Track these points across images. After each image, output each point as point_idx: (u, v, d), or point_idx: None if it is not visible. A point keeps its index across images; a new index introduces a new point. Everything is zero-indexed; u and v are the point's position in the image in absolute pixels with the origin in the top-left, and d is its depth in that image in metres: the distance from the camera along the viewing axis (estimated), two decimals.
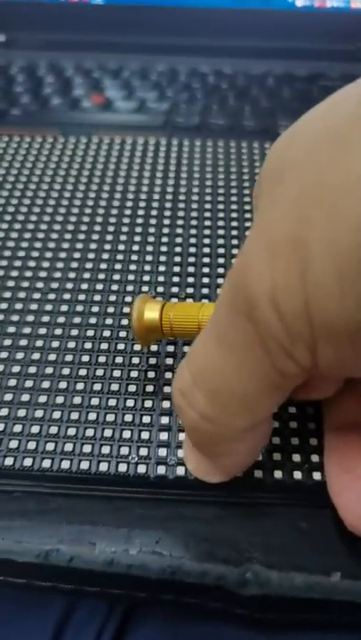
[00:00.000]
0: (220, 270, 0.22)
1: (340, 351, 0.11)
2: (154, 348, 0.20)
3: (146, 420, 0.18)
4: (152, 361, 0.19)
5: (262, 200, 0.13)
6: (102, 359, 0.19)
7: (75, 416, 0.18)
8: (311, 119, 0.12)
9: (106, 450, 0.17)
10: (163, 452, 0.17)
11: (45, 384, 0.19)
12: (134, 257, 0.23)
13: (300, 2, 0.38)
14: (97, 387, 0.19)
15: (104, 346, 0.20)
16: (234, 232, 0.24)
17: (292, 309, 0.11)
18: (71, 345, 0.20)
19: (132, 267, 0.22)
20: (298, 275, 0.10)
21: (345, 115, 0.11)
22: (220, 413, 0.13)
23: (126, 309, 0.21)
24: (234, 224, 0.24)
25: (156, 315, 0.17)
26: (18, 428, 0.18)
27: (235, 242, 0.23)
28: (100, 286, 0.22)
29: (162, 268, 0.22)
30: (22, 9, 0.40)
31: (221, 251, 0.23)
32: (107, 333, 0.20)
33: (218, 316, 0.13)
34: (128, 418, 0.18)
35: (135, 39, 0.39)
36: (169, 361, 0.19)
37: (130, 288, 0.22)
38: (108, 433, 0.18)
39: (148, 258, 0.23)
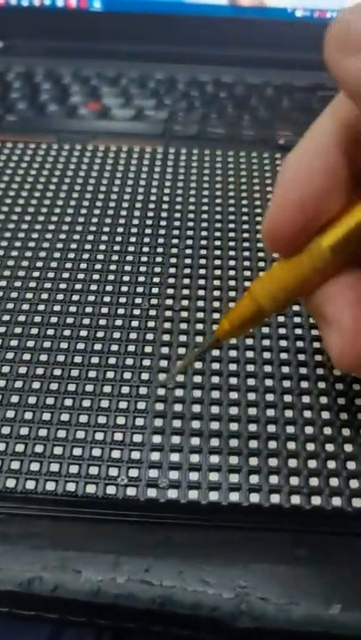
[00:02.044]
0: (216, 282, 0.22)
1: None
2: (146, 362, 0.19)
3: (137, 439, 0.17)
4: (144, 376, 0.19)
5: None
6: (92, 374, 0.18)
7: (62, 434, 0.17)
8: None
9: (94, 470, 0.16)
10: (154, 473, 0.16)
11: (32, 400, 0.18)
12: (128, 267, 0.22)
13: (299, 12, 0.38)
14: (86, 403, 0.18)
15: (94, 360, 0.19)
16: (231, 243, 0.23)
17: None
18: (60, 358, 0.19)
19: (126, 277, 0.22)
20: None
21: None
22: None
23: (119, 322, 0.20)
24: (231, 235, 0.24)
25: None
26: (1, 447, 0.17)
27: (232, 253, 0.23)
28: (91, 298, 0.21)
29: (156, 280, 0.22)
30: (21, 15, 0.40)
31: (218, 262, 0.22)
32: (97, 347, 0.19)
33: None
34: (118, 436, 0.17)
35: (134, 47, 0.39)
36: (162, 376, 0.19)
37: (123, 300, 0.21)
38: (96, 452, 0.17)
39: (142, 269, 0.22)
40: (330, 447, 0.17)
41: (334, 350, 0.14)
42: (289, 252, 0.14)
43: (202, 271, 0.22)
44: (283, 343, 0.19)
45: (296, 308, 0.20)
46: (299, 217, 0.13)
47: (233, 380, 0.18)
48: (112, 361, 0.19)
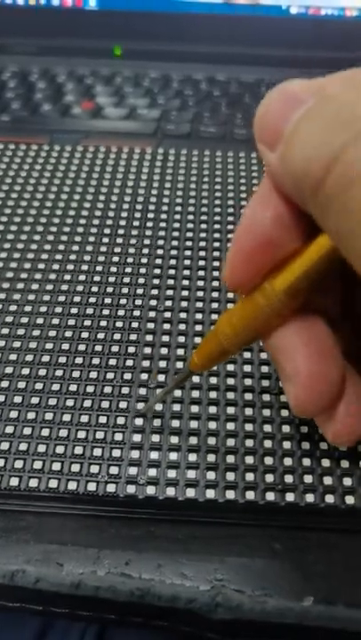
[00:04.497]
0: (200, 283, 0.22)
1: None
2: (129, 363, 0.19)
3: (117, 437, 0.18)
4: (127, 376, 0.19)
5: None
6: (76, 374, 0.19)
7: (45, 433, 0.18)
8: None
9: (75, 468, 0.17)
10: (133, 470, 0.17)
11: (17, 399, 0.18)
12: (114, 269, 0.22)
13: (294, 9, 0.38)
14: (69, 403, 0.18)
15: (78, 360, 0.19)
16: (216, 244, 0.24)
17: None
18: (45, 359, 0.19)
19: (111, 279, 0.22)
20: None
21: None
22: None
23: (103, 323, 0.21)
24: (216, 235, 0.24)
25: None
26: None
27: (216, 254, 0.23)
28: (77, 298, 0.21)
29: (141, 281, 0.22)
30: (15, 14, 0.40)
31: (202, 263, 0.23)
32: (81, 348, 0.20)
33: None
34: (99, 435, 0.18)
35: (128, 45, 0.39)
36: (144, 376, 0.19)
37: (108, 300, 0.21)
38: (78, 450, 0.17)
39: (128, 270, 0.22)
40: (306, 445, 0.17)
41: (291, 397, 0.14)
42: (248, 294, 0.14)
43: (186, 272, 0.22)
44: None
45: None
46: (253, 264, 0.14)
47: (213, 380, 0.19)
48: (95, 361, 0.19)
